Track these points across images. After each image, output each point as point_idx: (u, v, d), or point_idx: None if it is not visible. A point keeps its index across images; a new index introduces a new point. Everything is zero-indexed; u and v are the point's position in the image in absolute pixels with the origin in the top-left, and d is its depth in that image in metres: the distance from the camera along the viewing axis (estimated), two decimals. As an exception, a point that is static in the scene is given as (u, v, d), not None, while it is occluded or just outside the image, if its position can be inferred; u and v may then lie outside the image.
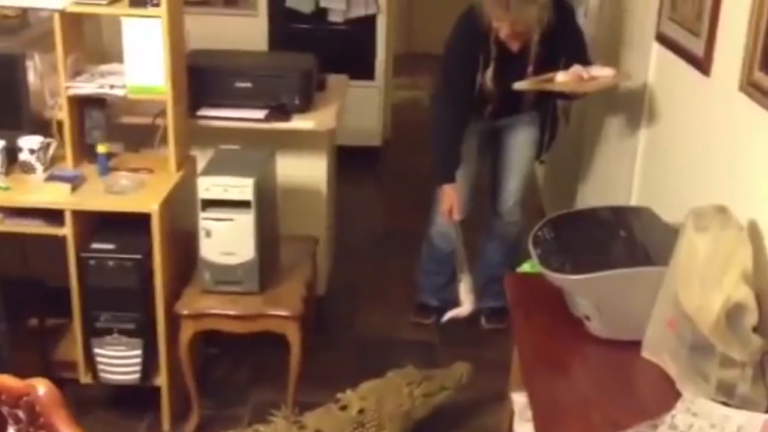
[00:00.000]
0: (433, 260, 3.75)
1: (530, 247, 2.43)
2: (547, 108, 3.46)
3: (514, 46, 3.22)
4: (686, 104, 2.68)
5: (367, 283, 4.09)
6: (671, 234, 2.22)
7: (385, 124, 5.68)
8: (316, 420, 2.72)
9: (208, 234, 2.85)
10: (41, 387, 1.34)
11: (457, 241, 3.37)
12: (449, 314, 3.40)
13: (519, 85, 3.15)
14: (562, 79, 3.08)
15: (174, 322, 2.92)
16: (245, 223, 2.84)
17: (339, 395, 2.79)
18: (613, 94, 3.48)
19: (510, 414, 2.74)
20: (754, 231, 2.04)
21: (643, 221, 2.51)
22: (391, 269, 4.19)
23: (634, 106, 3.16)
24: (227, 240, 2.86)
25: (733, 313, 1.89)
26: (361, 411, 2.74)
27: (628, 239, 2.46)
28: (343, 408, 2.76)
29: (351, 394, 2.79)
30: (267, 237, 2.96)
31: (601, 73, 3.09)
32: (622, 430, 1.88)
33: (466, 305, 3.20)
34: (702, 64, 2.49)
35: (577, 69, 3.07)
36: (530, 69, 3.22)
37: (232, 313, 2.89)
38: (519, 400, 2.62)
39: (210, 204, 2.83)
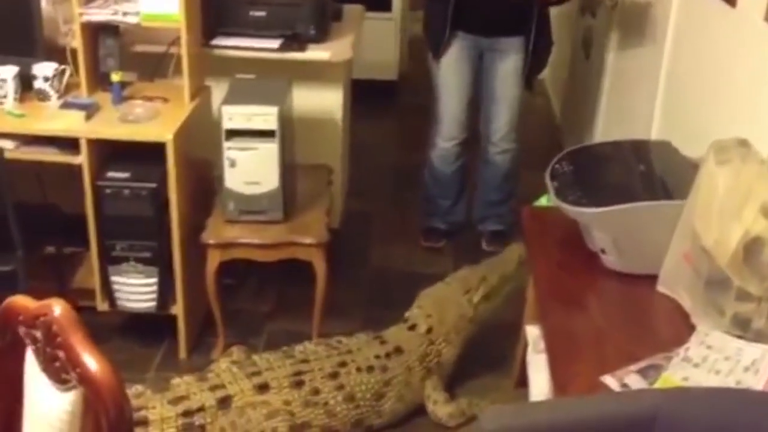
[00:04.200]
0: (436, 184, 3.79)
1: (547, 180, 2.41)
2: (530, 30, 3.39)
3: None
4: (710, 36, 2.62)
5: (381, 217, 4.09)
6: (690, 168, 2.20)
7: (402, 58, 5.60)
8: (394, 337, 2.79)
9: (233, 164, 2.84)
10: (57, 307, 1.35)
11: None
12: None
13: None
14: None
15: (196, 251, 2.93)
16: (269, 152, 2.82)
17: (407, 314, 2.87)
18: (634, 26, 3.42)
19: (524, 346, 2.76)
20: (775, 165, 2.01)
21: (662, 155, 2.49)
22: (405, 203, 4.18)
23: (656, 38, 3.09)
24: (252, 169, 2.85)
25: (751, 247, 1.88)
26: (429, 330, 2.81)
27: (647, 173, 2.44)
28: (412, 327, 2.83)
29: (417, 312, 2.87)
30: (288, 166, 2.95)
31: None
32: (636, 362, 1.88)
33: None
34: (728, -5, 2.43)
35: None
36: None
37: (258, 242, 2.89)
38: (533, 332, 2.63)
39: (234, 134, 2.81)
